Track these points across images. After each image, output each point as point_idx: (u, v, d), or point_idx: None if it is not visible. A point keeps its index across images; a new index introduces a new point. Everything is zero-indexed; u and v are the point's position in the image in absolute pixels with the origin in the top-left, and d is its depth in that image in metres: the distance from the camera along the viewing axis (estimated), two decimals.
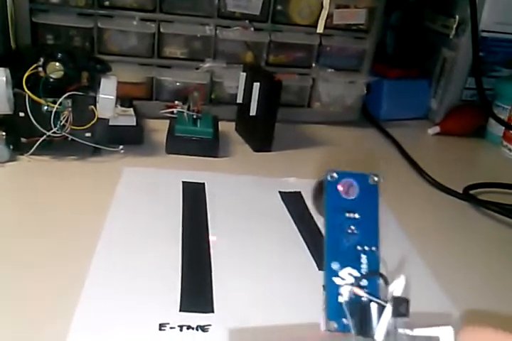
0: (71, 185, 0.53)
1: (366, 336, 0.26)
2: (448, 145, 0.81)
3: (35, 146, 0.56)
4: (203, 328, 0.35)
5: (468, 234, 0.53)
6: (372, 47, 0.79)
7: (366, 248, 0.29)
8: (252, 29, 0.73)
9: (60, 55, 0.55)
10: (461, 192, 0.60)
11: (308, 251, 0.46)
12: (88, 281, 0.38)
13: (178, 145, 0.63)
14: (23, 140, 0.56)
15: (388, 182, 0.64)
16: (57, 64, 0.54)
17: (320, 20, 0.73)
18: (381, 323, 0.25)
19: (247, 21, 0.72)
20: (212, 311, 0.37)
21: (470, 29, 0.79)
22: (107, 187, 0.53)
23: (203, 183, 0.56)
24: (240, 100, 0.69)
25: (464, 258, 0.48)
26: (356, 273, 0.28)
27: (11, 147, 0.56)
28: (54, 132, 0.55)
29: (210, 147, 0.64)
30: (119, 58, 0.71)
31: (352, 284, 0.28)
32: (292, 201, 0.55)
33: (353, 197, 0.30)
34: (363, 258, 0.29)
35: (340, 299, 0.28)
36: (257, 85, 0.65)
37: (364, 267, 0.29)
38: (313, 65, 0.78)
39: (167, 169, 0.59)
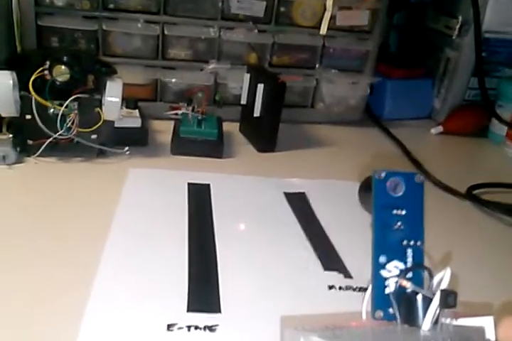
0: (77, 186, 0.54)
1: (412, 325, 0.28)
2: (451, 145, 0.81)
3: (41, 148, 0.56)
4: (210, 328, 0.35)
5: (472, 234, 0.54)
6: (375, 48, 0.79)
7: (412, 242, 0.31)
8: (256, 31, 0.73)
9: (66, 58, 0.55)
10: (464, 192, 0.61)
11: (313, 251, 0.46)
12: (96, 282, 0.39)
13: (183, 146, 0.63)
14: (30, 142, 0.57)
15: None
16: (63, 67, 0.55)
17: (323, 22, 0.73)
18: (428, 313, 0.27)
19: (250, 23, 0.73)
20: (220, 311, 0.37)
21: (473, 30, 0.79)
22: (113, 188, 0.53)
23: (208, 184, 0.56)
24: (243, 101, 0.70)
25: (467, 259, 0.48)
26: (402, 266, 0.31)
27: (18, 149, 0.57)
28: (60, 134, 0.56)
29: (215, 148, 0.64)
30: (123, 60, 0.71)
31: (398, 276, 0.30)
32: (297, 201, 0.55)
33: (399, 195, 0.32)
34: (409, 252, 0.31)
35: (387, 290, 0.30)
36: (261, 87, 0.65)
37: (409, 260, 0.31)
38: (317, 66, 0.78)
39: (172, 170, 0.59)
